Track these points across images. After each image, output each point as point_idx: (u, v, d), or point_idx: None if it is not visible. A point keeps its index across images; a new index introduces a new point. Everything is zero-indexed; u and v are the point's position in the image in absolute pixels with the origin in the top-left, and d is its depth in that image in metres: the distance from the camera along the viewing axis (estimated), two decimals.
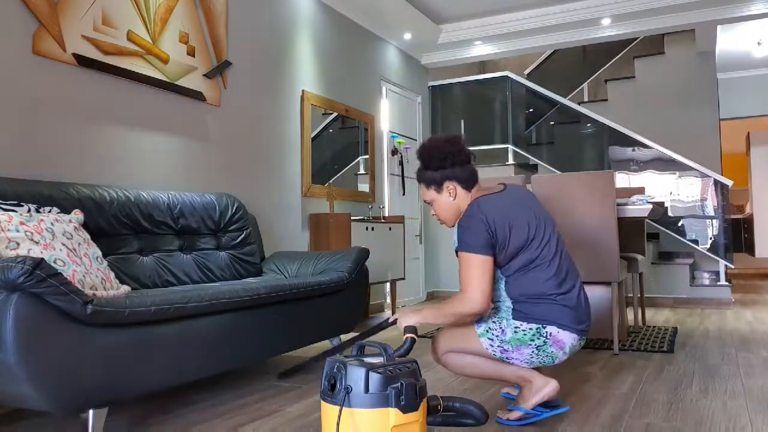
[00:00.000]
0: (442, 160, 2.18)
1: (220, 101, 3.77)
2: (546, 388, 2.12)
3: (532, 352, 2.10)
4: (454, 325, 2.15)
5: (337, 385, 1.59)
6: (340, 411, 1.57)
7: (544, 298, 2.09)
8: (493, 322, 2.13)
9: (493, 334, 2.12)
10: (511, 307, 2.11)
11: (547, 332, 2.08)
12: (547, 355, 2.11)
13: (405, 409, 1.57)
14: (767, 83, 8.77)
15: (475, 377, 2.24)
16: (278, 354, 2.80)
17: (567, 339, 2.09)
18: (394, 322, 2.11)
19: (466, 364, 2.20)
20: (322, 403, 1.64)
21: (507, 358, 2.13)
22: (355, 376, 1.58)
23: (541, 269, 2.09)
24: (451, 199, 2.21)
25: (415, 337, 1.94)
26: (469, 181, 2.21)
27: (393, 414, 1.56)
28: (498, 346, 2.12)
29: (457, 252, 2.12)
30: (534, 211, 2.16)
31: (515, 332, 2.09)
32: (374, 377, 1.57)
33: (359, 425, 1.57)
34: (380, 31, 5.75)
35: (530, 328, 2.08)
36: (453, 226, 2.28)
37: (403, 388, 1.57)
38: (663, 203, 4.89)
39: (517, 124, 6.60)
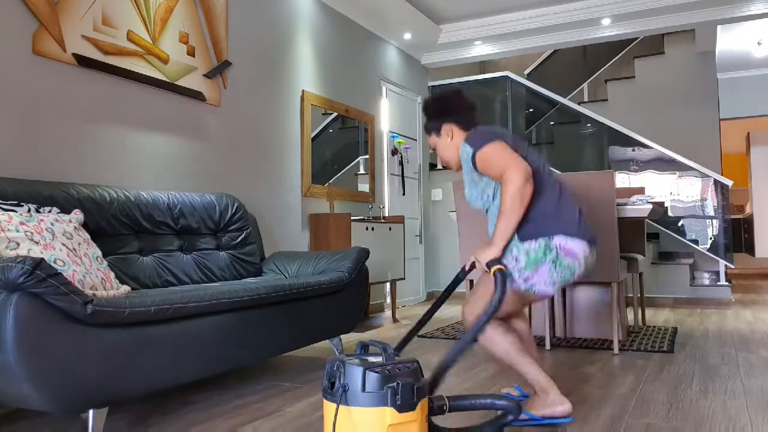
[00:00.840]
0: (441, 108, 2.30)
1: (220, 101, 3.78)
2: (560, 407, 2.09)
3: (550, 268, 2.09)
4: (522, 212, 2.07)
5: (336, 384, 1.61)
6: (337, 408, 1.58)
7: (547, 216, 2.12)
8: (506, 259, 2.13)
9: (510, 270, 2.12)
10: (516, 231, 2.11)
11: (556, 244, 2.08)
12: (564, 268, 2.10)
13: (401, 409, 1.58)
14: (767, 83, 8.77)
15: (500, 358, 2.17)
16: (278, 354, 2.80)
17: (577, 247, 2.10)
18: (472, 267, 2.25)
19: (498, 342, 2.15)
20: (324, 401, 1.66)
21: (531, 286, 2.11)
22: (353, 374, 1.59)
23: (544, 193, 2.14)
24: (449, 139, 2.31)
25: (503, 267, 2.00)
26: (467, 122, 2.31)
27: (389, 413, 1.57)
28: (519, 279, 2.11)
29: (474, 159, 2.15)
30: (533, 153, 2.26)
31: (528, 255, 2.09)
32: (371, 376, 1.58)
33: (356, 423, 1.58)
34: (380, 31, 5.75)
35: (539, 245, 2.08)
36: (459, 170, 2.36)
37: (399, 387, 1.58)
38: (663, 203, 4.89)
39: (517, 124, 6.60)
